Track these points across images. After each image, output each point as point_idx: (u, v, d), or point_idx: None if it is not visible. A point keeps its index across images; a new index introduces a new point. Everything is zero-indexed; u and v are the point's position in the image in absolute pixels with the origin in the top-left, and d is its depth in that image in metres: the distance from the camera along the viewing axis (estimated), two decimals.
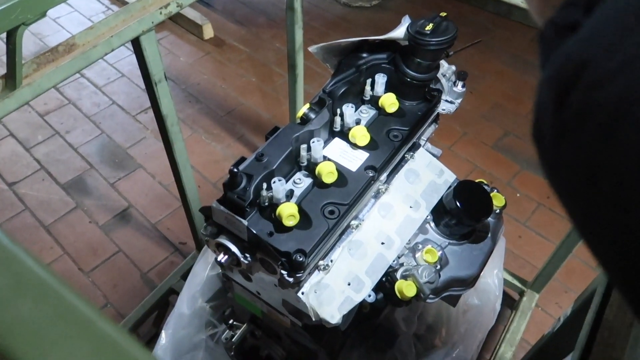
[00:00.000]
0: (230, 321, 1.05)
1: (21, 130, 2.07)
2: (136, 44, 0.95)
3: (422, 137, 0.96)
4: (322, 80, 2.31)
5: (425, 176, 0.91)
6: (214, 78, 2.33)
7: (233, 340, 1.02)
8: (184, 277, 1.46)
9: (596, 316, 0.54)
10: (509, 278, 1.48)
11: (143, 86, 2.22)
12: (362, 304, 0.80)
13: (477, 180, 0.95)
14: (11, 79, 0.77)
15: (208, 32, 2.51)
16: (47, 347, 0.21)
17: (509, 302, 1.51)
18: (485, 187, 0.94)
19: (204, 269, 1.22)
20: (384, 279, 0.82)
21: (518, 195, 1.85)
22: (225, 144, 2.04)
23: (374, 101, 0.87)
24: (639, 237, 0.21)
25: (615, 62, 0.21)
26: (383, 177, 0.83)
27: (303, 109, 0.81)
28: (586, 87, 0.22)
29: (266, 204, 0.72)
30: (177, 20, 2.57)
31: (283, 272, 0.69)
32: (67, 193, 1.86)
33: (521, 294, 1.47)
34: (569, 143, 0.23)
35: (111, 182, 1.90)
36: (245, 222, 0.68)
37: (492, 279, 1.19)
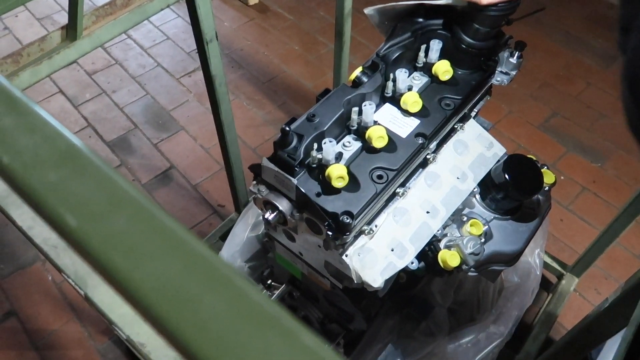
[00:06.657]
0: (269, 281, 1.07)
1: (70, 87, 2.13)
2: (190, 1, 0.95)
3: (474, 109, 0.94)
4: (366, 52, 2.28)
5: (474, 148, 0.89)
6: (257, 44, 2.32)
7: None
8: (222, 238, 1.49)
9: None
10: (548, 260, 1.45)
11: (187, 50, 2.27)
12: (399, 274, 0.80)
13: (527, 156, 0.92)
14: (72, 30, 0.78)
15: None
16: (141, 259, 0.21)
17: (546, 285, 1.48)
18: (536, 163, 0.92)
19: (244, 230, 1.24)
20: (427, 248, 0.82)
21: (562, 178, 1.80)
22: (266, 111, 2.05)
23: (427, 68, 0.85)
24: None
25: None
26: (432, 145, 0.82)
27: (356, 72, 0.80)
28: None
29: (315, 164, 0.72)
30: None
31: (329, 232, 0.70)
32: (112, 151, 1.91)
33: (560, 277, 1.45)
34: None
35: (154, 142, 1.94)
36: (294, 181, 0.69)
37: (533, 258, 1.17)
